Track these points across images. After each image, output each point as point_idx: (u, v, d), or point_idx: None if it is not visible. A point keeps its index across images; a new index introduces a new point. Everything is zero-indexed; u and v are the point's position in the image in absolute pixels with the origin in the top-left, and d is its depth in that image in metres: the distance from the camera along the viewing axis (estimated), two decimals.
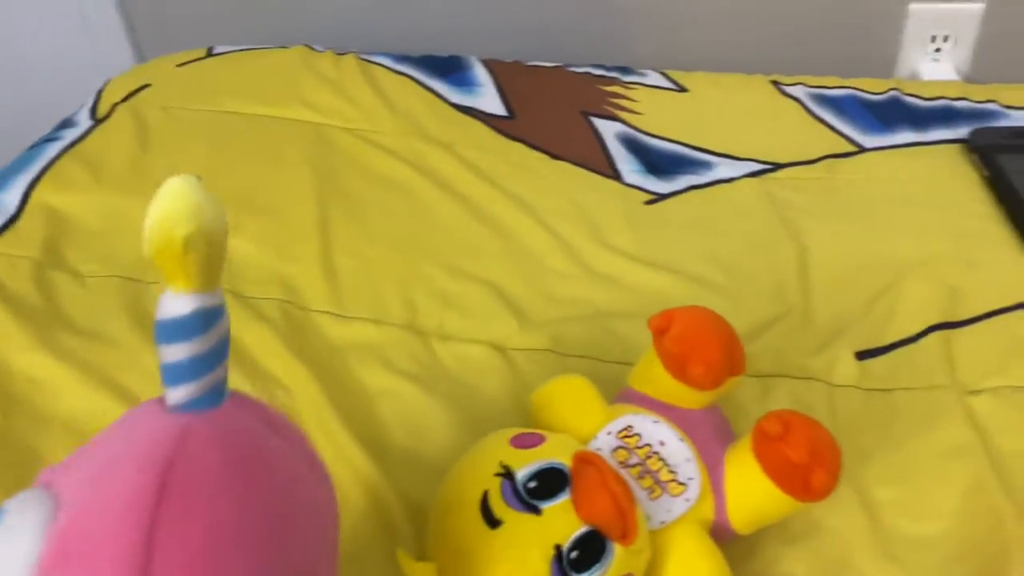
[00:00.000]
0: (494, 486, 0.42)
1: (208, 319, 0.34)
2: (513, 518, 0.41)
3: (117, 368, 0.60)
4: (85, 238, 0.73)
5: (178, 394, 0.34)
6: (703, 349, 0.47)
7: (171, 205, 0.33)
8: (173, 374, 0.34)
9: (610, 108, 0.88)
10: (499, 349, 0.63)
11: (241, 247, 0.71)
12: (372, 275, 0.69)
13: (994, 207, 0.76)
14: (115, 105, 0.86)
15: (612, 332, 0.64)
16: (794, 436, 0.44)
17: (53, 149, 0.81)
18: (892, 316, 0.65)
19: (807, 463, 0.44)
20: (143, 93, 0.88)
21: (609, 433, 0.48)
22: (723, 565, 0.45)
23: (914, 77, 1.03)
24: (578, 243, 0.73)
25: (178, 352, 0.34)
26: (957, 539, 0.50)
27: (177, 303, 0.34)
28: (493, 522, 0.41)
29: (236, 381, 0.59)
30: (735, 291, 0.68)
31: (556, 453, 0.44)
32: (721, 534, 0.47)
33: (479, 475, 0.43)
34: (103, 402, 0.58)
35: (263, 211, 0.74)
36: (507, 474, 0.43)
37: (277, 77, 0.90)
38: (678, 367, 0.48)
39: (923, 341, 0.63)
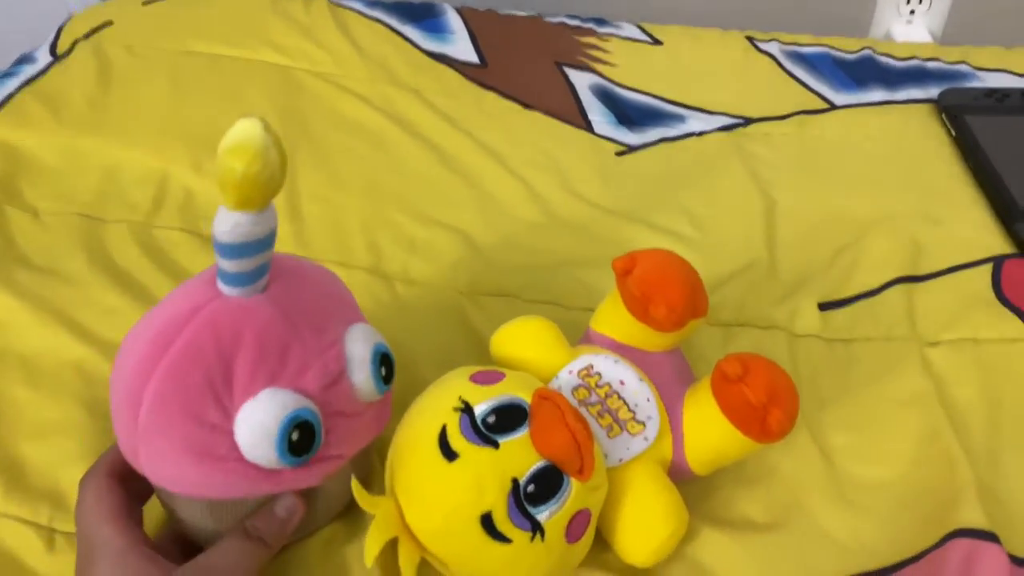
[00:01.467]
0: (452, 420, 0.42)
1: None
2: (470, 451, 0.41)
3: (73, 305, 0.59)
4: (42, 175, 0.71)
5: (232, 291, 0.41)
6: (666, 290, 0.47)
7: (248, 136, 0.37)
8: (237, 279, 0.41)
9: (584, 59, 0.87)
10: (464, 294, 0.63)
11: (201, 187, 0.70)
12: (337, 219, 0.68)
13: (961, 166, 0.76)
14: (76, 42, 0.84)
15: (578, 280, 0.64)
16: (753, 377, 0.44)
17: (10, 85, 0.78)
18: (855, 269, 0.65)
19: (765, 404, 0.44)
20: (106, 31, 0.85)
21: (570, 372, 0.48)
22: (679, 503, 0.46)
23: (888, 39, 1.03)
24: (547, 192, 0.72)
25: (247, 264, 0.40)
26: (910, 484, 0.51)
27: (252, 220, 0.39)
28: (450, 455, 0.41)
29: None
30: (702, 242, 0.68)
31: (516, 389, 0.44)
32: (678, 474, 0.47)
33: (438, 410, 0.43)
34: (58, 339, 0.57)
35: None
36: (466, 409, 0.42)
37: (245, 19, 0.88)
38: (641, 308, 0.48)
39: (885, 294, 0.63)
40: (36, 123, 0.75)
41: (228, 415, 0.40)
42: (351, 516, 0.48)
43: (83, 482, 0.44)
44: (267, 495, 0.43)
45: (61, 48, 0.83)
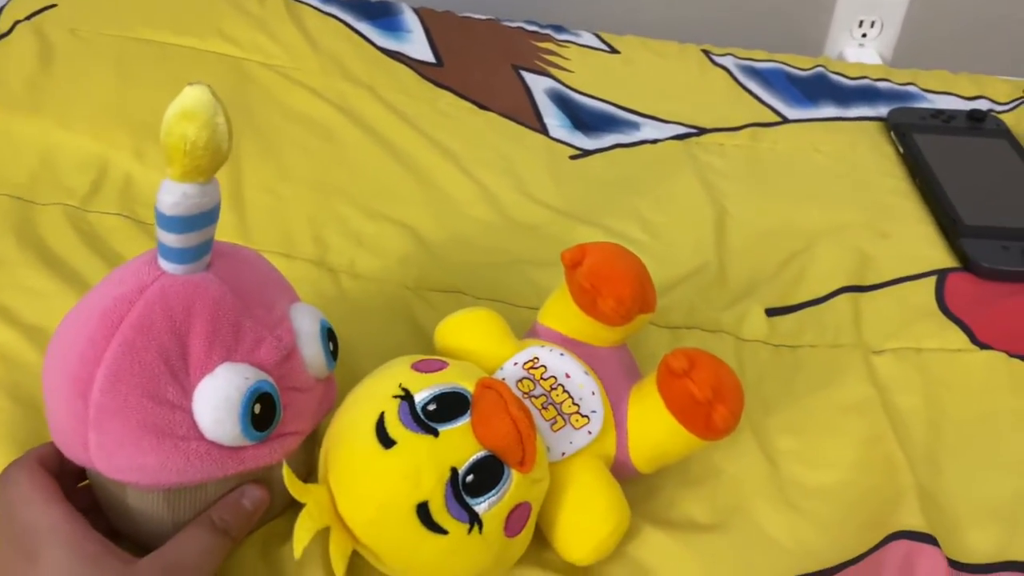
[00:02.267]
0: (391, 407, 0.41)
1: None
2: (408, 439, 0.39)
3: None
4: None
5: (176, 268, 0.40)
6: (615, 284, 0.46)
7: (199, 101, 0.36)
8: (182, 255, 0.40)
9: (541, 64, 0.87)
10: (411, 289, 0.62)
11: (142, 174, 0.67)
12: (283, 211, 0.67)
13: (908, 183, 0.77)
14: (16, 23, 0.81)
15: (528, 279, 0.63)
16: (698, 373, 0.44)
17: None
18: (803, 277, 0.66)
19: (710, 400, 0.43)
20: (48, 12, 0.83)
21: (515, 364, 0.47)
22: (621, 499, 0.45)
23: (840, 60, 1.05)
24: (501, 193, 0.72)
25: (193, 239, 0.39)
26: (853, 488, 0.51)
27: (199, 192, 0.38)
28: (388, 442, 0.39)
29: None
30: (653, 246, 0.67)
31: (458, 378, 0.42)
32: (622, 472, 0.47)
33: (376, 397, 0.41)
34: None
35: None
36: (406, 396, 0.41)
37: (196, 8, 0.86)
38: (589, 301, 0.47)
39: (832, 302, 0.64)
40: None
41: (186, 393, 0.39)
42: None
43: (8, 472, 0.40)
44: (224, 483, 0.41)
45: (0, 28, 0.80)
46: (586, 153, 0.77)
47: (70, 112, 0.72)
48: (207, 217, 0.39)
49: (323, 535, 0.40)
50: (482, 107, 0.80)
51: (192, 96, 0.36)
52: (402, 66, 0.83)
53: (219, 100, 0.37)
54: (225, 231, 0.64)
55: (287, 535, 0.44)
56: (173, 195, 0.38)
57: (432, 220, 0.68)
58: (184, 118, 0.36)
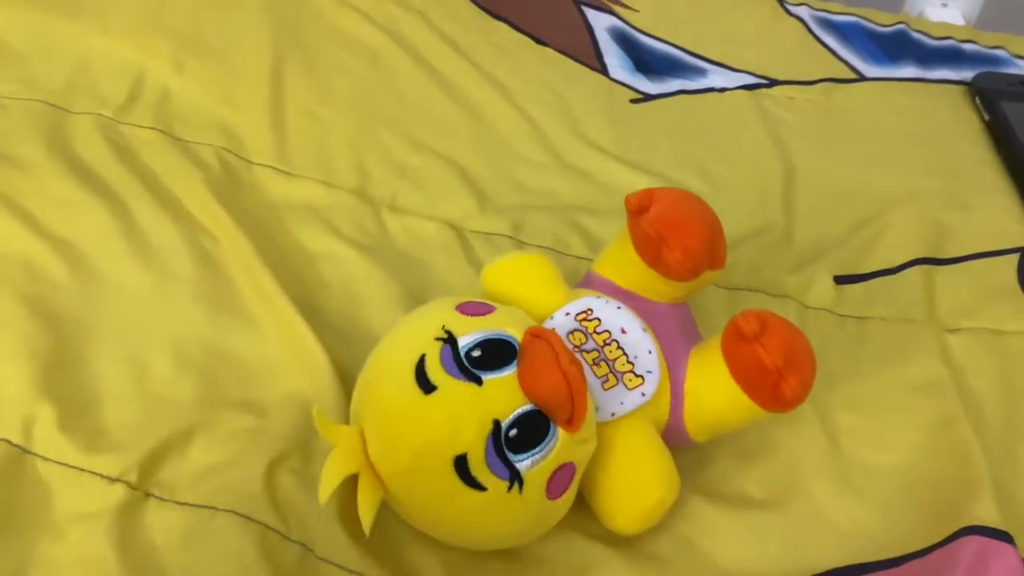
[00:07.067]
0: (433, 350, 0.37)
1: None
2: (450, 385, 0.36)
3: (25, 195, 0.54)
4: (8, 58, 0.65)
5: None
6: (683, 234, 0.42)
7: None
8: None
9: (605, 0, 0.81)
10: (454, 228, 0.58)
11: (180, 87, 0.64)
12: (324, 135, 0.63)
13: (991, 152, 0.72)
14: None
15: (578, 226, 0.59)
16: (770, 338, 0.40)
17: None
18: (875, 245, 0.61)
19: (780, 369, 0.39)
20: None
21: (567, 314, 0.43)
22: (672, 468, 0.41)
23: (920, 19, 0.98)
24: (553, 133, 0.67)
25: None
26: (919, 473, 0.47)
27: None
28: (427, 387, 0.36)
29: (160, 223, 0.54)
30: (715, 199, 0.60)
31: (506, 324, 0.39)
32: (674, 438, 0.43)
33: (418, 338, 0.38)
34: (7, 227, 0.52)
35: (211, 54, 0.67)
36: (449, 339, 0.38)
37: None
38: (653, 251, 0.43)
39: (904, 273, 0.59)
40: (5, 3, 0.68)
41: None
42: (305, 449, 0.43)
43: None
44: None
45: None
46: (648, 97, 0.72)
47: (109, 17, 0.68)
48: None
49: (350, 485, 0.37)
50: (539, 42, 0.76)
51: None
52: None
53: None
54: (263, 154, 0.61)
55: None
56: None
57: (480, 157, 0.64)
58: None
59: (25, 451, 0.42)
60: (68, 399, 0.44)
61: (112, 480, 0.41)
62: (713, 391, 0.42)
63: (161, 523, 0.40)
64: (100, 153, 0.58)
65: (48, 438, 0.42)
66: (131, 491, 0.41)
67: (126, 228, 0.53)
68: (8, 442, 0.42)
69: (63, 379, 0.45)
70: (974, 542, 0.42)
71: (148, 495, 0.41)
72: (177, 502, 0.41)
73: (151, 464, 0.42)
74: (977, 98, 0.77)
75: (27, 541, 0.39)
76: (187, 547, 0.39)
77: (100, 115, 0.61)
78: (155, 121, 0.61)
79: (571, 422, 0.37)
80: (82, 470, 0.41)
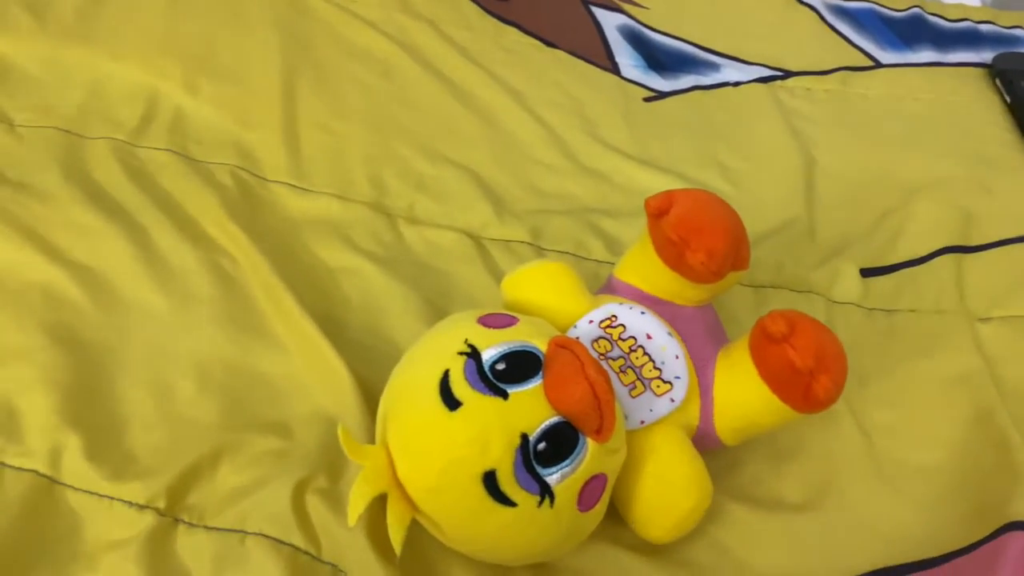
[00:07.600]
0: (457, 365, 0.37)
1: None
2: (475, 400, 0.36)
3: (43, 222, 0.54)
4: (23, 85, 0.65)
5: None
6: (706, 235, 0.42)
7: None
8: None
9: None
10: (472, 237, 0.58)
11: (194, 108, 0.64)
12: (339, 149, 0.63)
13: (1015, 134, 0.71)
14: None
15: (597, 229, 0.59)
16: (799, 338, 0.39)
17: None
18: (901, 235, 0.60)
19: (811, 369, 0.39)
20: None
21: (591, 322, 0.43)
22: (704, 474, 0.41)
23: (935, 1, 0.97)
24: (568, 135, 0.67)
25: None
26: (959, 468, 0.46)
27: None
28: (453, 403, 0.36)
29: (179, 246, 0.54)
30: (735, 197, 0.61)
31: (529, 336, 0.38)
32: (704, 443, 0.42)
33: (441, 353, 0.38)
34: (27, 256, 0.52)
35: (222, 73, 0.67)
36: (472, 353, 0.37)
37: None
38: (675, 255, 0.42)
39: (932, 263, 0.58)
40: (18, 29, 0.68)
41: None
42: (332, 468, 0.43)
43: None
44: None
45: None
46: (661, 95, 0.71)
47: (121, 41, 0.68)
48: None
49: (379, 502, 0.36)
50: (549, 44, 0.75)
51: None
52: (465, 0, 0.78)
53: None
54: (278, 171, 0.60)
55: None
56: None
57: (495, 163, 0.63)
58: None
59: (54, 481, 0.42)
60: (94, 427, 0.44)
61: (141, 507, 0.41)
62: (743, 394, 0.41)
63: (191, 548, 0.40)
64: (116, 177, 0.58)
65: (76, 467, 0.42)
66: (160, 517, 0.41)
67: (145, 252, 0.53)
68: (37, 473, 0.42)
69: (88, 406, 0.45)
70: (1020, 538, 0.41)
71: (177, 520, 0.41)
72: (206, 527, 0.41)
73: (179, 489, 0.42)
74: (997, 80, 0.75)
75: (60, 571, 0.39)
76: (218, 571, 0.39)
77: (115, 139, 0.61)
78: (169, 143, 0.61)
79: (600, 432, 0.36)
80: (112, 498, 0.41)
